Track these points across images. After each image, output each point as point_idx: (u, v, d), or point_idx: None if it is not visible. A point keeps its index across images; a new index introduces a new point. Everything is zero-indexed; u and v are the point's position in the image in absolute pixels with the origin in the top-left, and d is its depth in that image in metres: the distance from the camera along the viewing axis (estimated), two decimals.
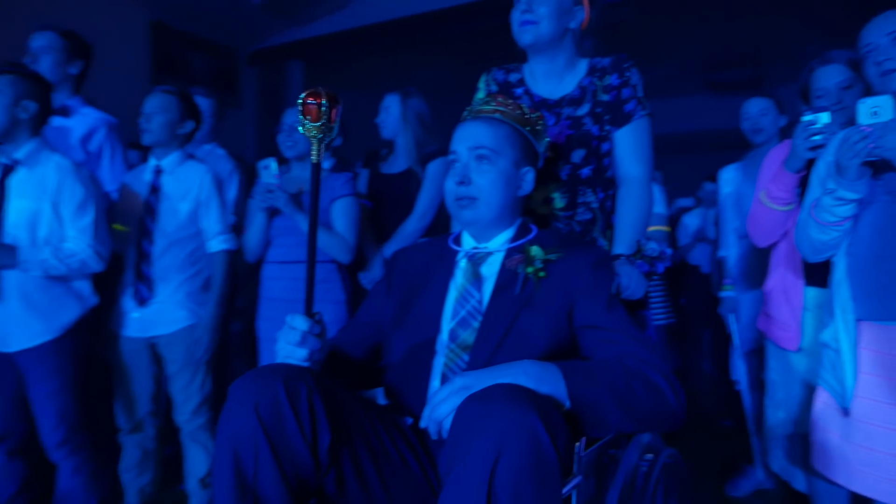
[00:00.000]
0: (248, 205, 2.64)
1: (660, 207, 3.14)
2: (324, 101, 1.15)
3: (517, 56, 1.92)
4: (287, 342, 1.27)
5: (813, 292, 2.05)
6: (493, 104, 1.56)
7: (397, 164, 2.90)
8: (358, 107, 3.48)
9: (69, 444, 2.22)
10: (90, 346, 2.33)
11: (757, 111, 2.88)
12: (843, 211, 1.66)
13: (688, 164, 6.69)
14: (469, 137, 1.51)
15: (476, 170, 1.50)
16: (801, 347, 2.07)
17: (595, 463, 1.37)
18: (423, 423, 1.15)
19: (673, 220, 4.79)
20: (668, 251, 1.68)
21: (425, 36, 6.48)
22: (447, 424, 1.10)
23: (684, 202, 5.23)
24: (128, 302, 2.43)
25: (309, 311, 1.27)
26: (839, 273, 1.74)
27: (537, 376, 1.15)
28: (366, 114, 3.01)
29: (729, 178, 3.02)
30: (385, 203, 2.84)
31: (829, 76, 2.15)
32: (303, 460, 1.14)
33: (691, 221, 4.46)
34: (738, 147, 3.05)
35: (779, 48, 6.34)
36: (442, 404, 1.13)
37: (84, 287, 2.28)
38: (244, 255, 2.61)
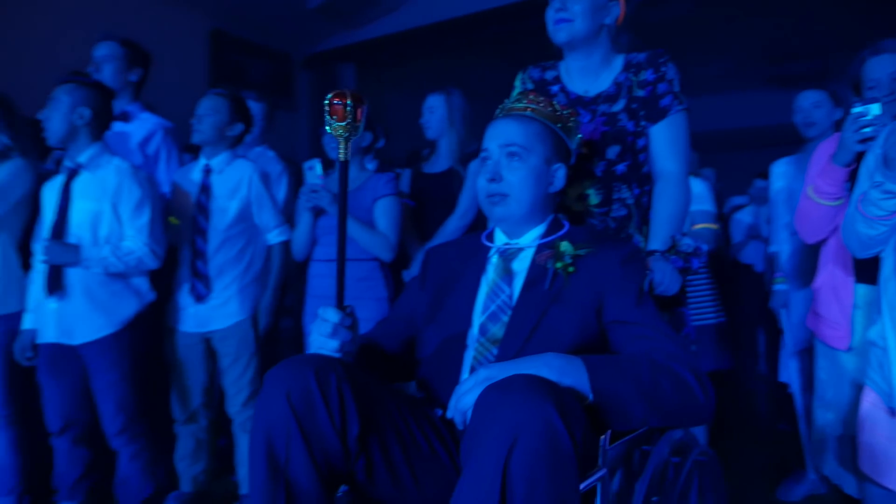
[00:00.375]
0: (296, 205, 2.72)
1: (707, 205, 3.08)
2: (349, 102, 1.19)
3: (562, 54, 1.92)
4: (319, 334, 1.32)
5: (863, 289, 1.99)
6: (525, 102, 1.57)
7: (439, 163, 2.94)
8: (408, 108, 3.54)
9: (128, 432, 2.34)
10: (148, 340, 2.45)
11: (810, 104, 2.80)
12: (891, 205, 1.61)
13: (747, 160, 6.51)
14: (500, 135, 1.53)
15: (507, 167, 1.51)
16: (850, 346, 2.01)
17: (624, 457, 1.38)
18: (448, 414, 1.17)
19: (728, 218, 4.68)
20: (704, 247, 1.66)
21: (475, 37, 6.51)
22: (471, 415, 1.12)
23: (739, 200, 5.09)
24: (184, 298, 2.54)
25: (340, 305, 1.31)
26: (887, 269, 1.69)
27: (560, 369, 1.17)
28: (416, 115, 3.06)
29: (781, 172, 2.95)
30: (428, 202, 2.88)
31: (882, 66, 2.08)
32: (332, 447, 1.18)
33: (743, 219, 4.35)
34: (798, 142, 2.97)
35: (844, 39, 6.11)
36: (466, 395, 1.16)
37: (142, 283, 2.40)
38: (292, 254, 2.69)
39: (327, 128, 1.23)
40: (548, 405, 0.97)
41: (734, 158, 7.31)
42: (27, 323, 2.39)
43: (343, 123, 1.21)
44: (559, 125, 1.57)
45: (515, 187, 1.51)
